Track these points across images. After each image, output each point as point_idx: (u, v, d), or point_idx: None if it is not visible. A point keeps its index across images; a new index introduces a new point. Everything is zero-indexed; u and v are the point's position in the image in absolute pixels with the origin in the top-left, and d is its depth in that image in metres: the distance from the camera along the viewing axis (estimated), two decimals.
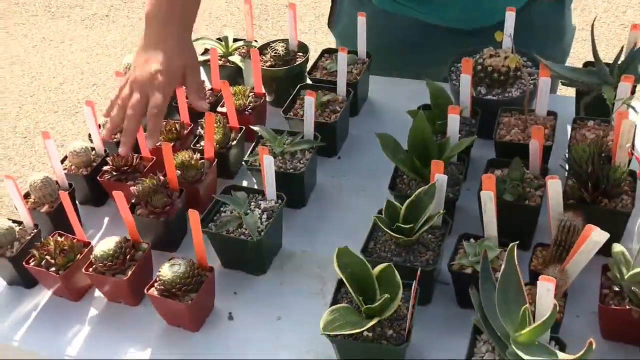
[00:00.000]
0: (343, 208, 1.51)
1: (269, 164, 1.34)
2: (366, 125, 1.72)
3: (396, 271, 1.11)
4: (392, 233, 1.22)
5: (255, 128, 1.53)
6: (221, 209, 1.39)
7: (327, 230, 1.46)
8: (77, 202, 1.55)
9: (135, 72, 1.41)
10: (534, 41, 1.66)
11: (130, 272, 1.27)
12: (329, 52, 1.80)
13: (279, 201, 1.38)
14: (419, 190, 1.24)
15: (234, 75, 1.80)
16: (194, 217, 1.22)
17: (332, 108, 1.61)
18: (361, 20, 1.69)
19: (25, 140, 3.74)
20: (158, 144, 1.45)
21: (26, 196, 1.48)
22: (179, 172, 1.45)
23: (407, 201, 1.24)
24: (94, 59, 4.42)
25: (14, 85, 4.23)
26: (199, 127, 1.62)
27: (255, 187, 1.52)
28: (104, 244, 1.29)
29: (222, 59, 1.83)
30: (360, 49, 1.74)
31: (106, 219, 1.56)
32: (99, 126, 1.63)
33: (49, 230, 1.45)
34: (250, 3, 1.81)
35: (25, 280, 1.39)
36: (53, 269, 1.30)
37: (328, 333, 1.07)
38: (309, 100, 1.47)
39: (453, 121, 1.37)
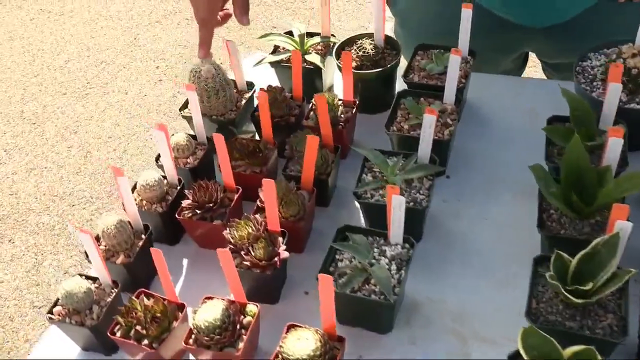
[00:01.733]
0: (465, 241, 1.28)
1: (398, 205, 1.10)
2: (471, 133, 1.47)
3: (598, 356, 0.89)
4: (567, 295, 0.99)
5: (362, 152, 1.28)
6: (336, 256, 1.16)
7: (453, 270, 1.24)
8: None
9: None
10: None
11: (241, 345, 1.05)
12: (423, 49, 1.54)
13: (406, 245, 1.15)
14: (597, 241, 1.01)
15: (312, 78, 1.54)
16: (326, 281, 0.99)
17: (442, 121, 1.36)
18: (466, 13, 1.43)
19: (35, 126, 3.46)
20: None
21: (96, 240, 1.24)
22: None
23: (581, 254, 1.02)
24: (99, 32, 4.09)
25: (15, 64, 3.91)
26: (287, 147, 1.37)
27: (362, 221, 1.29)
28: (207, 311, 1.06)
29: None
30: (462, 45, 1.48)
31: (185, 262, 1.32)
32: (173, 150, 1.37)
33: (126, 285, 1.22)
34: None
35: (105, 347, 1.16)
36: (146, 341, 1.07)
37: None
38: (429, 119, 1.23)
39: (614, 146, 1.14)
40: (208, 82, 1.41)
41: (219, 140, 1.24)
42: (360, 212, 1.31)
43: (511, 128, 1.47)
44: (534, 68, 3.10)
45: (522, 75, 1.89)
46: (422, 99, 1.42)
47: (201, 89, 1.41)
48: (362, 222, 1.30)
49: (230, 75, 1.53)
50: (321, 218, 1.35)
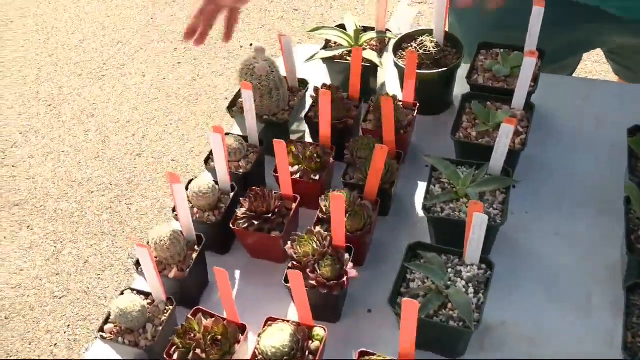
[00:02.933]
0: (536, 258, 1.20)
1: (479, 224, 1.02)
2: (538, 139, 1.38)
3: None
4: None
5: (431, 161, 1.20)
6: (407, 276, 1.08)
7: (524, 291, 1.16)
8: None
9: None
10: None
11: None
12: (486, 48, 1.45)
13: (483, 266, 1.07)
14: None
15: (367, 76, 1.45)
16: (411, 307, 0.91)
17: None
18: (538, 10, 1.33)
19: (51, 108, 3.35)
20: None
21: None
22: None
23: None
24: (114, 11, 3.97)
25: (29, 43, 3.80)
26: (347, 152, 1.28)
27: (426, 233, 1.20)
28: (273, 336, 0.98)
29: (350, 53, 1.46)
30: (530, 45, 1.38)
31: (237, 273, 1.24)
32: (229, 154, 1.28)
33: (178, 299, 1.14)
34: None
35: None
36: None
37: None
38: (507, 129, 1.14)
39: None
40: (262, 79, 1.32)
41: (281, 147, 1.15)
42: (422, 222, 1.23)
43: (581, 134, 1.38)
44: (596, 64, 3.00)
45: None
46: (488, 102, 1.33)
47: (254, 87, 1.32)
48: (426, 234, 1.22)
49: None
50: (380, 228, 1.26)
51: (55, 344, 2.36)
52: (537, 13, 1.34)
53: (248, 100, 1.26)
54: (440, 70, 1.38)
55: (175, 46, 3.66)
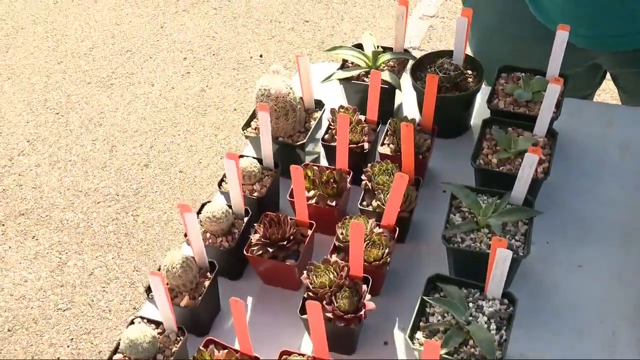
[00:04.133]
0: (558, 291, 1.16)
1: (503, 260, 0.98)
2: (560, 166, 1.34)
3: None
4: None
5: (451, 189, 1.16)
6: (426, 309, 1.04)
7: (546, 326, 1.12)
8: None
9: None
10: None
11: None
12: (507, 71, 1.41)
13: (505, 301, 1.03)
14: None
15: (384, 98, 1.41)
16: (433, 349, 0.87)
17: None
18: (561, 35, 1.30)
19: (58, 116, 3.33)
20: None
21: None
22: None
23: None
24: (124, 19, 3.95)
25: (38, 50, 3.78)
26: (364, 177, 1.24)
27: (447, 265, 1.16)
28: None
29: (368, 74, 1.43)
30: (553, 71, 1.35)
31: (249, 300, 1.21)
32: (243, 177, 1.25)
33: (189, 327, 1.11)
34: (407, 5, 1.41)
35: None
36: None
37: None
38: (531, 159, 1.10)
39: None
40: (278, 101, 1.28)
41: (297, 173, 1.12)
42: (440, 250, 1.19)
43: (604, 161, 1.35)
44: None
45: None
46: (509, 128, 1.29)
47: (269, 109, 1.29)
48: (444, 262, 1.18)
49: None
50: (397, 255, 1.23)
51: (59, 358, 2.33)
52: (561, 37, 1.31)
53: (264, 123, 1.22)
54: (462, 93, 1.35)
55: (184, 55, 3.64)
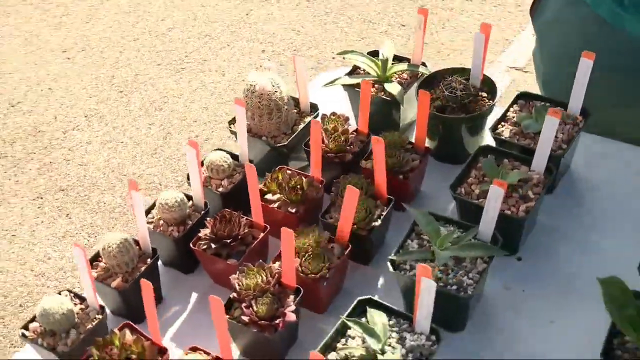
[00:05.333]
0: (520, 344, 1.21)
1: (427, 290, 1.06)
2: (563, 210, 1.39)
3: None
4: None
5: (413, 212, 1.24)
6: (349, 331, 1.13)
7: None
8: (160, 264, 1.35)
9: None
10: None
11: None
12: (526, 98, 1.47)
13: (432, 338, 1.10)
14: None
15: (388, 111, 1.51)
16: None
17: (520, 193, 1.29)
18: (586, 63, 1.34)
19: (121, 95, 3.63)
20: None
21: (95, 259, 1.28)
22: (298, 260, 1.21)
23: None
24: (211, 1, 4.24)
25: (117, 25, 4.14)
26: (333, 191, 1.35)
27: (402, 303, 1.24)
28: None
29: (375, 84, 1.54)
30: (574, 103, 1.40)
31: (194, 296, 1.34)
32: (202, 164, 1.40)
33: (116, 311, 1.26)
34: (426, 14, 1.50)
35: None
36: None
37: None
38: (496, 192, 1.17)
39: None
40: (262, 98, 1.42)
41: (251, 171, 1.25)
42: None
43: (613, 208, 1.38)
44: None
45: None
46: (506, 160, 1.35)
47: (253, 106, 1.43)
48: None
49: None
50: (357, 277, 1.32)
51: None
52: (585, 66, 1.35)
53: (240, 118, 1.36)
54: (464, 116, 1.42)
55: (263, 47, 3.85)
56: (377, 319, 1.12)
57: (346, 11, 4.04)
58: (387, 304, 1.15)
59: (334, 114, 1.46)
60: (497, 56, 3.62)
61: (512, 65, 3.57)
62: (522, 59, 3.60)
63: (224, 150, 1.43)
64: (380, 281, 1.33)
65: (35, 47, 4.04)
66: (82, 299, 1.22)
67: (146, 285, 1.10)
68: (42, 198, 3.11)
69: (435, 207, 1.33)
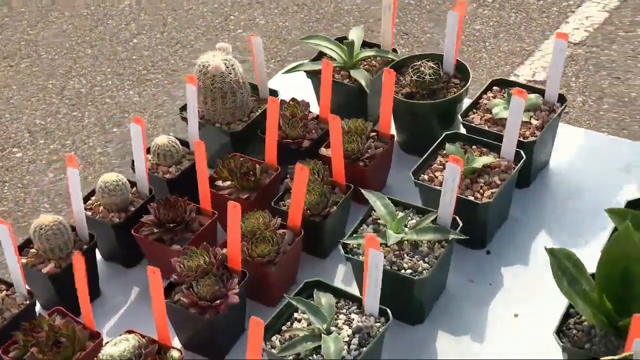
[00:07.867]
0: (482, 339, 1.41)
1: (374, 265, 1.27)
2: (536, 204, 1.62)
3: None
4: None
5: (367, 194, 1.46)
6: (295, 314, 1.34)
7: None
8: (99, 258, 1.57)
9: None
10: None
11: None
12: (500, 84, 1.69)
13: (381, 319, 1.31)
14: None
15: (355, 99, 1.74)
16: (256, 331, 1.17)
17: (487, 179, 1.51)
18: (560, 44, 1.57)
19: (74, 109, 3.88)
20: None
21: (27, 244, 1.49)
22: (245, 244, 1.42)
23: None
24: (183, 5, 4.51)
25: (72, 29, 4.39)
26: (288, 177, 1.57)
27: (355, 286, 1.45)
28: (116, 345, 1.27)
29: (341, 71, 1.77)
30: (550, 88, 1.62)
31: (135, 290, 1.55)
32: (148, 150, 1.61)
33: (49, 302, 1.46)
34: None
35: None
36: None
37: None
38: (452, 170, 1.38)
39: None
40: (215, 80, 1.64)
41: (200, 148, 1.46)
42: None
43: (591, 204, 1.59)
44: None
45: None
46: (474, 146, 1.56)
47: (205, 88, 1.65)
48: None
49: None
50: (314, 270, 1.53)
51: None
52: (559, 47, 1.57)
53: (191, 100, 1.58)
54: (433, 101, 1.64)
55: (244, 57, 4.10)
56: (323, 300, 1.32)
57: (341, 17, 4.30)
58: (336, 287, 1.37)
59: (293, 99, 1.69)
60: (514, 68, 3.86)
61: (531, 79, 3.80)
62: (543, 72, 3.84)
63: (170, 135, 1.65)
64: (339, 276, 1.54)
65: None
66: (9, 285, 1.43)
67: (78, 260, 1.30)
68: None
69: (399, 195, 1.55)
